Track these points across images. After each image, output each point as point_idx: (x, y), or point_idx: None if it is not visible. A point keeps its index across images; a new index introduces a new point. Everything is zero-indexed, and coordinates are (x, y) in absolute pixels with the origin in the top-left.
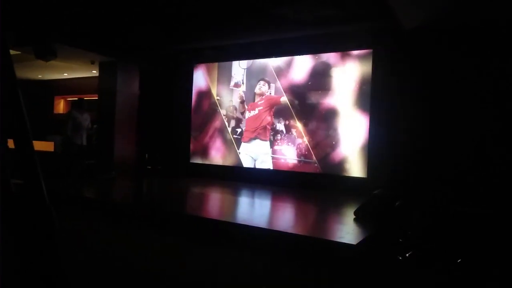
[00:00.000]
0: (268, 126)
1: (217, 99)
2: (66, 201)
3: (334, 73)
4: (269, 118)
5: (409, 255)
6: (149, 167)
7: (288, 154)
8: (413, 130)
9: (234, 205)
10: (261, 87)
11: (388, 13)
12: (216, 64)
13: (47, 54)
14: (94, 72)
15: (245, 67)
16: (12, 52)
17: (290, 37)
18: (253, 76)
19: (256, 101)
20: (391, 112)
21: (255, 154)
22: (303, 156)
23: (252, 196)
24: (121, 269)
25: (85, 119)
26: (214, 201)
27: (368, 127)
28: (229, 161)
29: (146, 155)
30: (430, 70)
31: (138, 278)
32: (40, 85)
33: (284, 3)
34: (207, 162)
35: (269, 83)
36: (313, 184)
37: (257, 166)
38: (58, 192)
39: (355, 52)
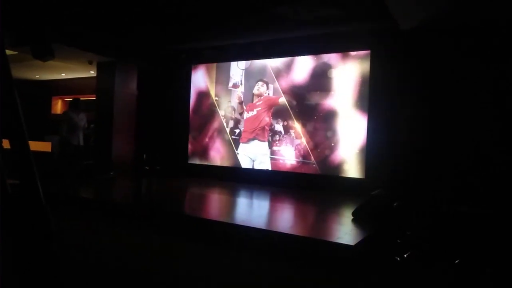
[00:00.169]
0: (266, 127)
1: (216, 100)
2: (64, 201)
3: (333, 74)
4: (267, 119)
5: (407, 255)
6: (148, 168)
7: (287, 155)
8: (412, 130)
9: (232, 205)
10: (259, 88)
11: (387, 13)
12: (214, 64)
13: (45, 54)
14: (92, 73)
15: (244, 68)
16: (10, 52)
17: (289, 37)
18: (251, 77)
19: (254, 101)
20: (390, 113)
21: (254, 155)
22: (302, 156)
23: (251, 197)
24: (120, 269)
25: (81, 119)
26: (213, 202)
27: (367, 127)
28: (227, 162)
29: (145, 155)
30: (430, 70)
31: (136, 279)
32: (37, 85)
33: (284, 3)
34: (205, 163)
35: (267, 84)
36: (311, 184)
37: (256, 167)
38: (56, 193)
39: (354, 53)
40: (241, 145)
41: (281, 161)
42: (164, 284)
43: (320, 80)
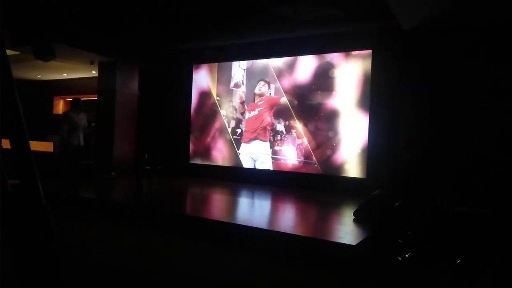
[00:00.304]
0: (268, 127)
1: (217, 100)
2: (65, 201)
3: (334, 73)
4: (269, 119)
5: (408, 255)
6: (149, 167)
7: (288, 155)
8: (413, 130)
9: (234, 205)
10: (261, 88)
11: (388, 13)
12: (216, 64)
13: (46, 54)
14: (94, 73)
15: (245, 68)
16: (11, 52)
17: (290, 37)
18: (253, 77)
19: (256, 101)
20: (391, 112)
21: (255, 155)
22: (303, 156)
23: (252, 197)
24: (120, 269)
25: (81, 119)
26: (214, 202)
27: (368, 127)
28: (229, 162)
29: (146, 155)
30: (430, 70)
31: (137, 278)
32: (39, 85)
33: (284, 3)
34: (206, 163)
35: (269, 84)
36: (312, 184)
37: (257, 167)
38: (56, 193)
39: (355, 52)
40: (243, 145)
41: (282, 161)
42: (165, 284)
43: (322, 80)
